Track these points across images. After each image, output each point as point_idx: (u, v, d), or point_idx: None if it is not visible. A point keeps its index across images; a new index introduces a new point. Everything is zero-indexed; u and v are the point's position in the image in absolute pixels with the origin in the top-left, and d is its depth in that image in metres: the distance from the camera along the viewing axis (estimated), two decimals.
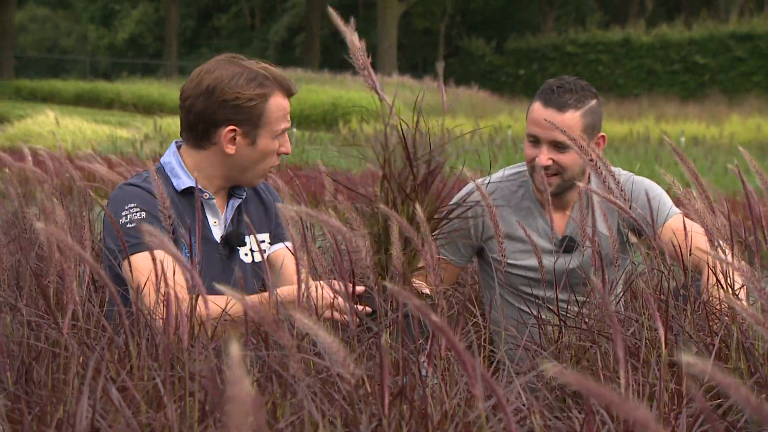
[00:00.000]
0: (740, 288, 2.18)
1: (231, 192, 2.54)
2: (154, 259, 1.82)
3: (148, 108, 26.06)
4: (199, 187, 2.45)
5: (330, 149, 12.11)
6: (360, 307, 2.16)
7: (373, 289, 1.97)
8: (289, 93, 2.46)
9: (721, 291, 2.13)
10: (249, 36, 46.54)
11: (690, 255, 2.44)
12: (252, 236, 2.52)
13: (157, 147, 12.11)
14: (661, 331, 1.71)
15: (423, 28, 41.29)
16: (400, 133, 2.24)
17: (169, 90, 27.37)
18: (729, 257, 2.12)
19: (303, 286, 1.89)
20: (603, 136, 2.86)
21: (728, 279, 2.14)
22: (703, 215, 2.10)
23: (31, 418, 1.63)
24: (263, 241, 2.59)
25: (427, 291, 2.38)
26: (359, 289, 2.13)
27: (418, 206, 1.88)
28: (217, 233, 2.50)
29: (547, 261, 2.78)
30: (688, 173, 2.19)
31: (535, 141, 2.79)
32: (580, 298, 2.43)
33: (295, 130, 17.19)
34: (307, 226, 2.94)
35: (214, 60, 2.45)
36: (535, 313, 2.36)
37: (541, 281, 2.66)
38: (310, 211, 1.75)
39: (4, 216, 3.60)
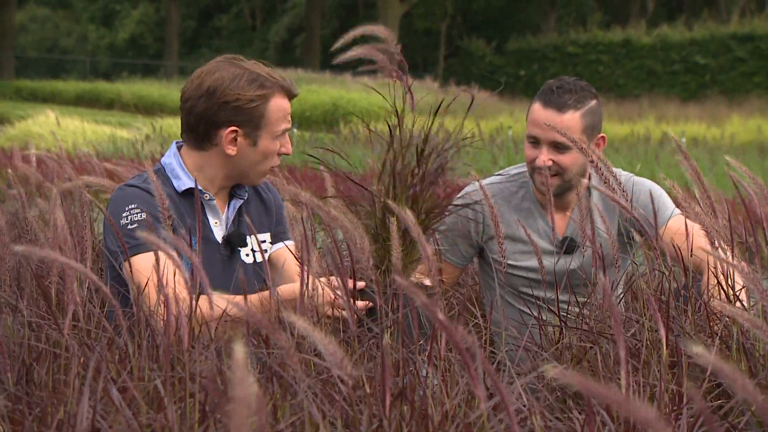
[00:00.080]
0: (741, 289, 2.18)
1: (232, 192, 2.54)
2: (157, 260, 1.82)
3: (149, 108, 26.05)
4: (200, 188, 2.46)
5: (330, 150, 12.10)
6: (360, 303, 2.16)
7: (373, 290, 1.97)
8: (289, 94, 2.46)
9: (722, 294, 2.13)
10: (249, 36, 46.54)
11: (691, 256, 2.44)
12: (253, 236, 2.52)
13: (157, 148, 12.11)
14: (662, 332, 1.71)
15: (424, 29, 41.28)
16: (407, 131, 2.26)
17: (169, 90, 27.37)
18: (729, 257, 2.12)
19: (305, 284, 1.90)
20: (603, 136, 2.86)
21: (728, 280, 2.14)
22: (703, 217, 2.10)
23: (31, 419, 1.63)
24: (264, 241, 2.59)
25: (427, 282, 2.39)
26: (360, 284, 2.14)
27: (407, 211, 1.89)
28: (219, 234, 2.50)
29: (548, 262, 2.78)
30: (690, 173, 2.19)
31: (535, 142, 2.79)
32: (581, 299, 2.43)
33: (295, 130, 17.19)
34: (307, 227, 2.94)
35: (214, 61, 2.46)
36: (535, 313, 2.36)
37: (541, 282, 2.66)
38: (316, 200, 1.75)
39: (5, 217, 3.60)
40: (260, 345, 1.83)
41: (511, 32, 39.70)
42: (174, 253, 1.51)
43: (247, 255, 2.53)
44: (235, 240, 2.49)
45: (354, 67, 2.27)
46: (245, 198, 2.55)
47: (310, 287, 1.93)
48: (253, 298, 2.21)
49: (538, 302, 2.51)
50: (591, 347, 2.06)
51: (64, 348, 1.75)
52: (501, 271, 2.62)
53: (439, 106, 2.31)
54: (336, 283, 1.89)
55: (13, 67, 36.10)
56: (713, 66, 33.23)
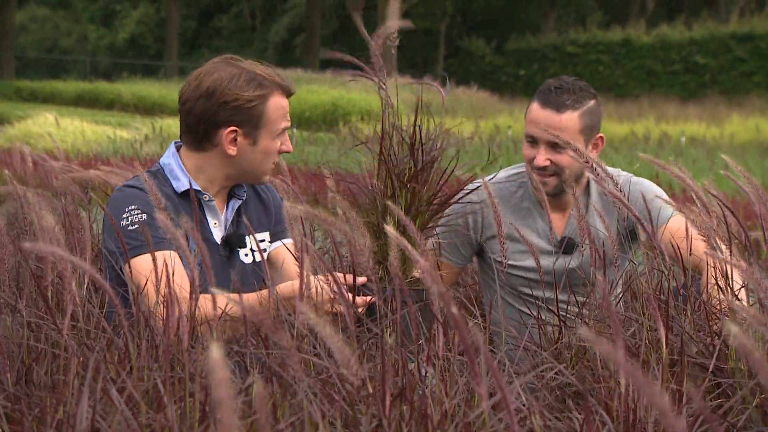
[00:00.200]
0: (740, 288, 2.18)
1: (231, 193, 2.54)
2: (155, 261, 1.82)
3: (149, 109, 26.06)
4: (199, 189, 2.46)
5: (330, 150, 12.11)
6: (360, 300, 2.16)
7: (373, 290, 1.97)
8: (287, 92, 2.47)
9: (722, 293, 2.13)
10: (249, 37, 46.54)
11: (690, 255, 2.44)
12: (251, 236, 2.52)
13: (157, 148, 12.12)
14: (662, 331, 1.71)
15: (423, 29, 41.28)
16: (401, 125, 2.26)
17: (169, 91, 27.37)
18: (728, 255, 2.12)
19: (304, 282, 1.89)
20: (602, 137, 2.85)
21: (728, 280, 2.14)
22: (698, 216, 2.10)
23: (31, 419, 1.63)
24: (263, 240, 2.59)
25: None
26: (361, 279, 2.13)
27: (391, 204, 1.89)
28: (218, 235, 2.50)
29: (547, 261, 2.78)
30: (676, 175, 2.20)
31: (533, 141, 2.79)
32: (580, 299, 2.43)
33: (295, 130, 17.19)
34: (307, 228, 2.95)
35: (212, 62, 2.46)
36: (535, 313, 2.36)
37: (540, 282, 2.66)
38: (311, 210, 1.75)
39: (3, 217, 3.60)
40: (259, 345, 1.83)
41: (511, 32, 39.71)
42: (182, 251, 1.51)
43: (246, 255, 2.53)
44: (233, 241, 2.49)
45: (354, 66, 2.27)
46: (244, 198, 2.55)
47: (311, 287, 1.93)
48: (252, 297, 2.21)
49: (537, 302, 2.51)
50: (590, 346, 2.05)
51: (64, 348, 1.75)
52: (501, 271, 2.62)
53: (420, 103, 2.31)
54: (335, 280, 1.88)
55: (13, 67, 36.09)
56: (713, 66, 33.25)
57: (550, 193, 2.80)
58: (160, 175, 2.47)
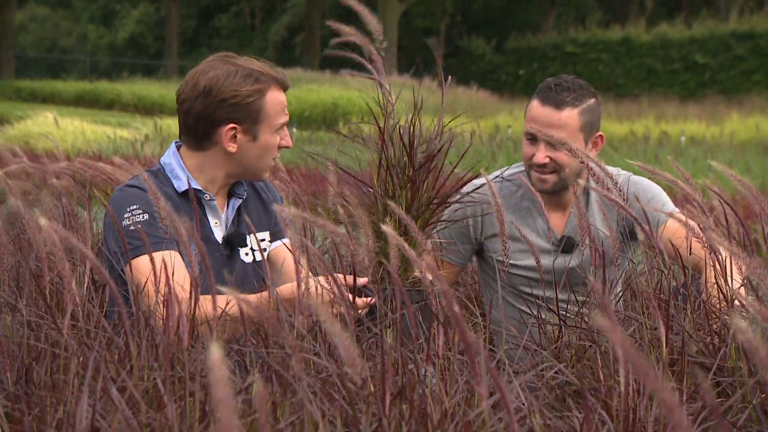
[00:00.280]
0: (739, 287, 2.18)
1: (231, 192, 2.54)
2: (153, 260, 1.82)
3: (149, 109, 26.05)
4: (200, 188, 2.46)
5: (330, 149, 12.11)
6: (360, 301, 2.16)
7: (372, 290, 1.97)
8: (284, 86, 2.47)
9: (726, 287, 2.13)
10: (249, 36, 46.54)
11: (690, 254, 2.44)
12: (252, 235, 2.52)
13: (157, 148, 12.12)
14: (662, 330, 1.71)
15: (423, 28, 41.27)
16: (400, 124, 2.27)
17: (169, 91, 27.36)
18: (728, 252, 2.12)
19: (302, 284, 1.89)
20: (601, 135, 2.85)
21: (727, 280, 2.15)
22: (697, 215, 2.10)
23: (31, 418, 1.63)
24: (263, 240, 2.59)
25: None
26: (362, 281, 2.13)
27: (392, 203, 1.89)
28: (218, 234, 2.50)
29: (547, 261, 2.77)
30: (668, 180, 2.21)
31: (533, 139, 2.79)
32: (580, 298, 2.43)
33: (295, 130, 17.18)
34: (307, 227, 2.95)
35: (207, 61, 2.46)
36: (535, 312, 2.36)
37: (540, 281, 2.66)
38: (308, 216, 1.75)
39: (3, 216, 3.60)
40: (259, 344, 1.83)
41: (511, 31, 39.69)
42: (183, 251, 1.51)
43: (246, 254, 2.53)
44: (234, 240, 2.49)
45: (352, 66, 2.28)
46: (244, 197, 2.55)
47: (310, 288, 1.93)
48: (251, 298, 2.20)
49: (537, 301, 2.51)
50: (590, 346, 2.06)
51: (64, 347, 1.75)
52: (502, 270, 2.62)
53: (418, 102, 2.31)
54: (335, 281, 1.88)
55: (13, 66, 36.09)
56: (713, 64, 33.23)
57: (550, 190, 2.80)
58: (161, 175, 2.47)
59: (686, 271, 2.27)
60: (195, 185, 2.45)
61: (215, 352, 0.88)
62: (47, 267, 1.95)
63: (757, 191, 2.31)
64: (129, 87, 29.80)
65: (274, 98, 2.44)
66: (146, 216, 2.33)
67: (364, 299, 2.17)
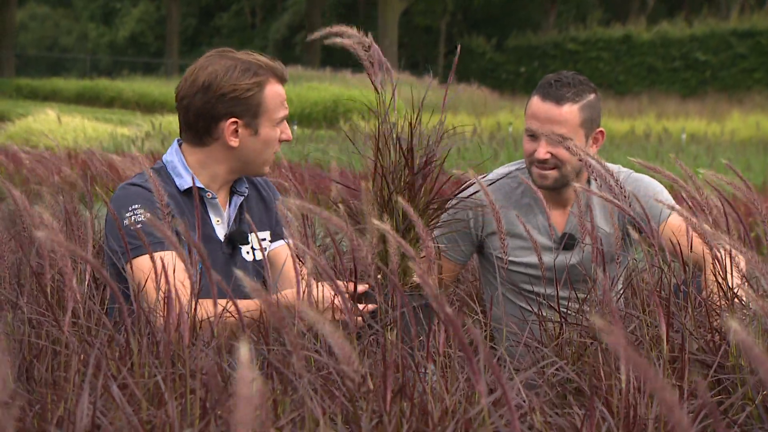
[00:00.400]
0: (740, 285, 2.18)
1: (233, 189, 2.54)
2: (153, 260, 1.82)
3: (150, 106, 26.06)
4: (202, 186, 2.45)
5: (331, 147, 12.11)
6: (362, 306, 2.15)
7: (374, 289, 1.97)
8: (282, 79, 2.47)
9: (733, 281, 2.13)
10: (250, 34, 46.52)
11: (691, 252, 2.44)
12: (253, 234, 2.52)
13: (158, 145, 12.13)
14: (663, 328, 1.71)
15: (424, 26, 41.26)
16: (398, 126, 2.25)
17: (170, 88, 27.34)
18: (729, 249, 2.12)
19: (303, 286, 1.89)
20: (602, 131, 2.85)
21: (727, 278, 2.15)
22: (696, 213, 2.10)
23: (32, 416, 1.64)
24: (264, 240, 2.59)
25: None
26: (361, 288, 2.13)
27: (400, 199, 1.88)
28: (220, 232, 2.50)
29: (548, 258, 2.77)
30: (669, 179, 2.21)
31: (534, 135, 2.79)
32: (581, 295, 2.43)
33: (296, 127, 17.18)
34: (307, 225, 2.94)
35: (205, 57, 2.46)
36: (535, 310, 2.36)
37: (541, 278, 2.66)
38: (312, 207, 1.75)
39: (4, 214, 3.61)
40: (260, 341, 1.83)
41: (512, 29, 39.68)
42: (184, 252, 1.51)
43: (248, 253, 2.53)
44: (237, 238, 2.49)
45: (354, 65, 2.28)
46: (246, 194, 2.55)
47: (312, 294, 1.93)
48: (252, 305, 2.19)
49: (538, 298, 2.50)
50: (591, 343, 2.06)
51: (64, 345, 1.75)
52: (502, 268, 2.62)
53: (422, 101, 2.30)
54: (336, 286, 1.88)
55: (14, 65, 36.09)
56: (713, 62, 33.21)
57: (551, 186, 2.80)
58: (164, 173, 2.47)
59: (687, 268, 2.27)
60: (197, 183, 2.44)
61: (244, 352, 0.89)
62: (48, 264, 1.95)
63: (756, 192, 2.31)
64: (130, 84, 29.80)
65: (273, 91, 2.44)
66: (148, 215, 2.33)
67: (367, 306, 2.16)
